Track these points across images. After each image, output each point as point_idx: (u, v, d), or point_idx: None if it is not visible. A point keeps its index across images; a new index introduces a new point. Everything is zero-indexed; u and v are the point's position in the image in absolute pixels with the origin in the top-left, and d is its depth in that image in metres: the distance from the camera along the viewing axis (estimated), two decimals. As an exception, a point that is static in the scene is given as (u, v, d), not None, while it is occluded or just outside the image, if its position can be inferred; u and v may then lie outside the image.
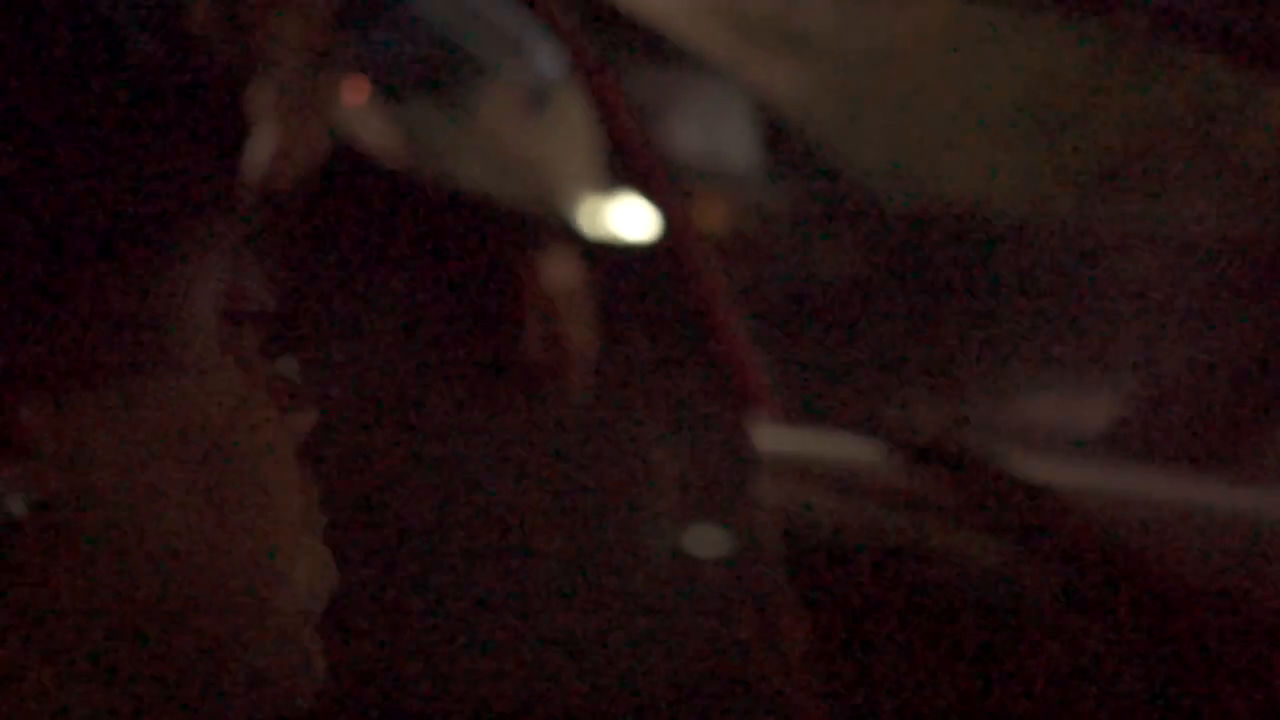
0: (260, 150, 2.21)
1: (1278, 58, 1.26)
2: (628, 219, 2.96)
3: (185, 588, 0.48)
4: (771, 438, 1.60)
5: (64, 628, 0.47)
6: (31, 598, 0.46)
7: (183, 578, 0.48)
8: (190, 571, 0.48)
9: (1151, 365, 2.69)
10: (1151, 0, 1.28)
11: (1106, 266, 2.81)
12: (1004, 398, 2.72)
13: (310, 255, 2.30)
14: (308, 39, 2.35)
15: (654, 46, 2.84)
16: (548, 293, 2.37)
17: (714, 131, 2.06)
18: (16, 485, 0.45)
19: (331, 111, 2.30)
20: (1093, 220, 3.88)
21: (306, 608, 0.52)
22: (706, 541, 2.70)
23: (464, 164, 3.66)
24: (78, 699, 0.47)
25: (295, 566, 0.52)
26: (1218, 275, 2.77)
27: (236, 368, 0.51)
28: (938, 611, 1.45)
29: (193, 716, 0.49)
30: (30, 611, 0.46)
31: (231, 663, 0.50)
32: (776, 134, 2.83)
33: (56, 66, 0.47)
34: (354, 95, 2.43)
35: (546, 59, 2.33)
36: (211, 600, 0.48)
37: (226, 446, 0.50)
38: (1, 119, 0.45)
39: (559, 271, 2.39)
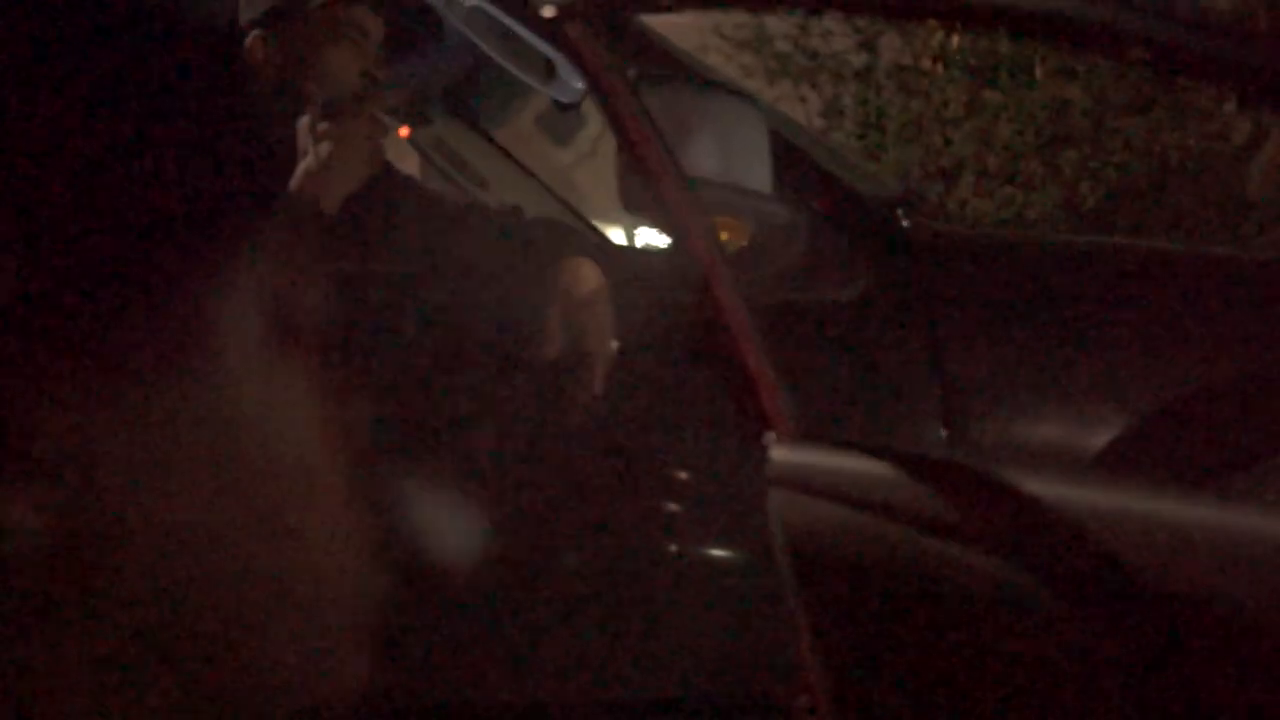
0: (311, 172, 2.25)
1: None
2: (646, 235, 2.99)
3: (226, 592, 0.48)
4: (783, 453, 1.62)
5: (101, 632, 0.47)
6: (62, 604, 0.46)
7: (224, 583, 0.48)
8: (232, 577, 0.48)
9: (1155, 384, 2.69)
10: (1160, 36, 1.31)
11: (1112, 286, 2.82)
12: (1011, 415, 2.73)
13: (350, 264, 2.34)
14: (360, 69, 2.39)
15: (674, 69, 2.86)
16: (569, 301, 2.41)
17: (734, 152, 2.08)
18: (41, 498, 0.45)
19: (380, 138, 2.35)
20: (1099, 241, 3.89)
21: (348, 610, 0.53)
22: (717, 553, 2.72)
23: (492, 180, 3.69)
24: (122, 703, 0.47)
25: (340, 567, 0.53)
26: (1220, 296, 2.78)
27: (284, 372, 0.51)
28: (945, 627, 1.45)
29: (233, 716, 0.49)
30: (62, 618, 0.46)
31: (272, 664, 0.50)
32: (794, 154, 2.86)
33: (111, 79, 0.47)
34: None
35: (575, 80, 2.35)
36: (250, 603, 0.49)
37: (263, 451, 0.50)
38: (58, 138, 0.45)
39: (580, 281, 2.44)
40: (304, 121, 2.29)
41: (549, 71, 2.40)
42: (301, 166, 2.25)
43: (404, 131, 2.38)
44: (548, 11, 1.53)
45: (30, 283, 0.45)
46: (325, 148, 2.27)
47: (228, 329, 0.49)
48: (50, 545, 0.45)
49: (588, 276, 2.47)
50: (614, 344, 2.44)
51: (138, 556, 0.47)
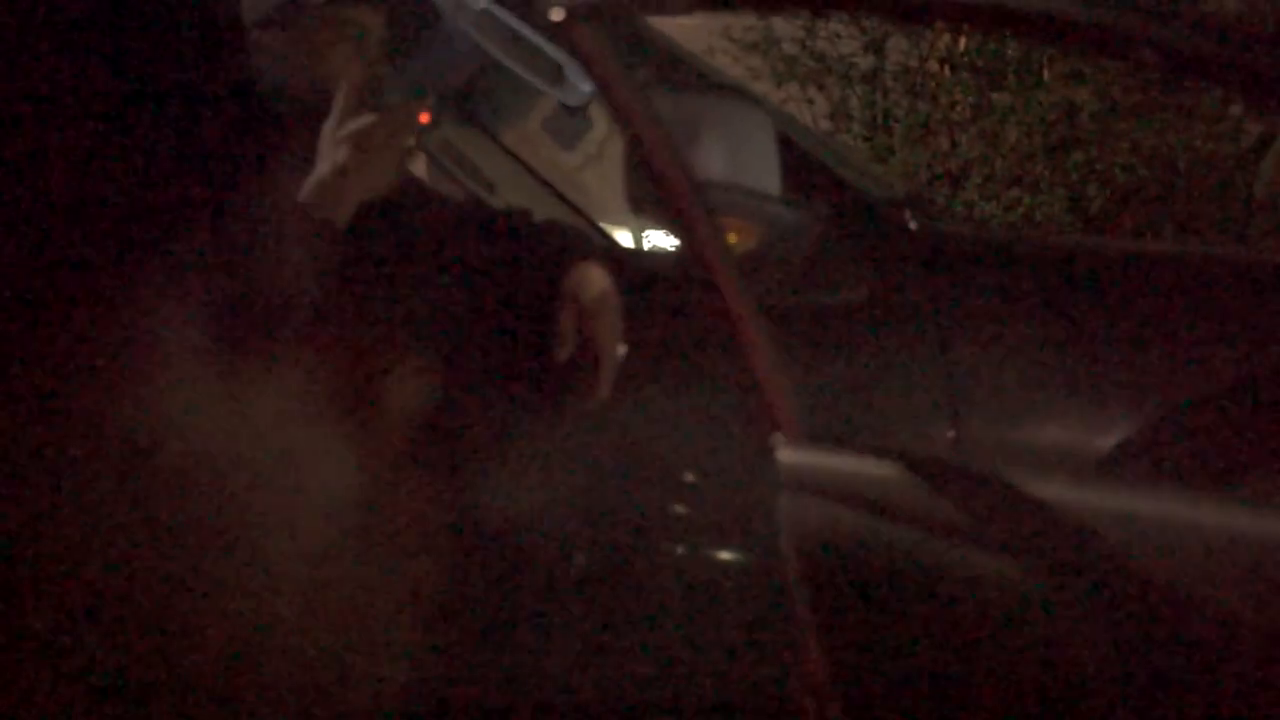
0: (324, 180, 2.24)
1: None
2: (656, 238, 3.00)
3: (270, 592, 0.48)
4: (791, 455, 1.62)
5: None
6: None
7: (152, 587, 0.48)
8: (278, 575, 0.48)
9: (1163, 386, 2.70)
10: (1167, 40, 1.31)
11: (1119, 288, 2.82)
12: (1019, 417, 2.74)
13: (362, 266, 2.34)
14: (366, 71, 2.39)
15: (684, 72, 2.87)
16: (579, 303, 2.42)
17: (742, 155, 2.08)
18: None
19: (405, 145, 2.34)
20: (1106, 243, 3.89)
21: (343, 623, 0.53)
22: (725, 555, 2.73)
23: (500, 184, 3.70)
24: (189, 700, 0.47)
25: (390, 568, 0.53)
26: (1229, 298, 2.78)
27: (254, 374, 0.51)
28: (952, 628, 1.46)
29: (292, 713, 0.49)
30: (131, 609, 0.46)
31: (330, 662, 0.50)
32: (801, 157, 2.86)
33: (152, 82, 0.48)
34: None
35: (581, 83, 2.36)
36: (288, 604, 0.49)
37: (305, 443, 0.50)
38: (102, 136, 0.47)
39: (588, 284, 2.44)
40: (326, 127, 2.28)
41: (556, 74, 2.41)
42: (315, 174, 2.24)
43: (424, 117, 2.36)
44: (557, 15, 1.54)
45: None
46: (343, 153, 2.25)
47: (187, 329, 0.49)
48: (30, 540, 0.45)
49: (596, 279, 2.47)
50: (622, 347, 2.45)
51: (130, 566, 0.47)
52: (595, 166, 3.45)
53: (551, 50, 2.41)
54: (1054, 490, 1.38)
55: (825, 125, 8.34)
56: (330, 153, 2.23)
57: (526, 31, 2.39)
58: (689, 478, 2.73)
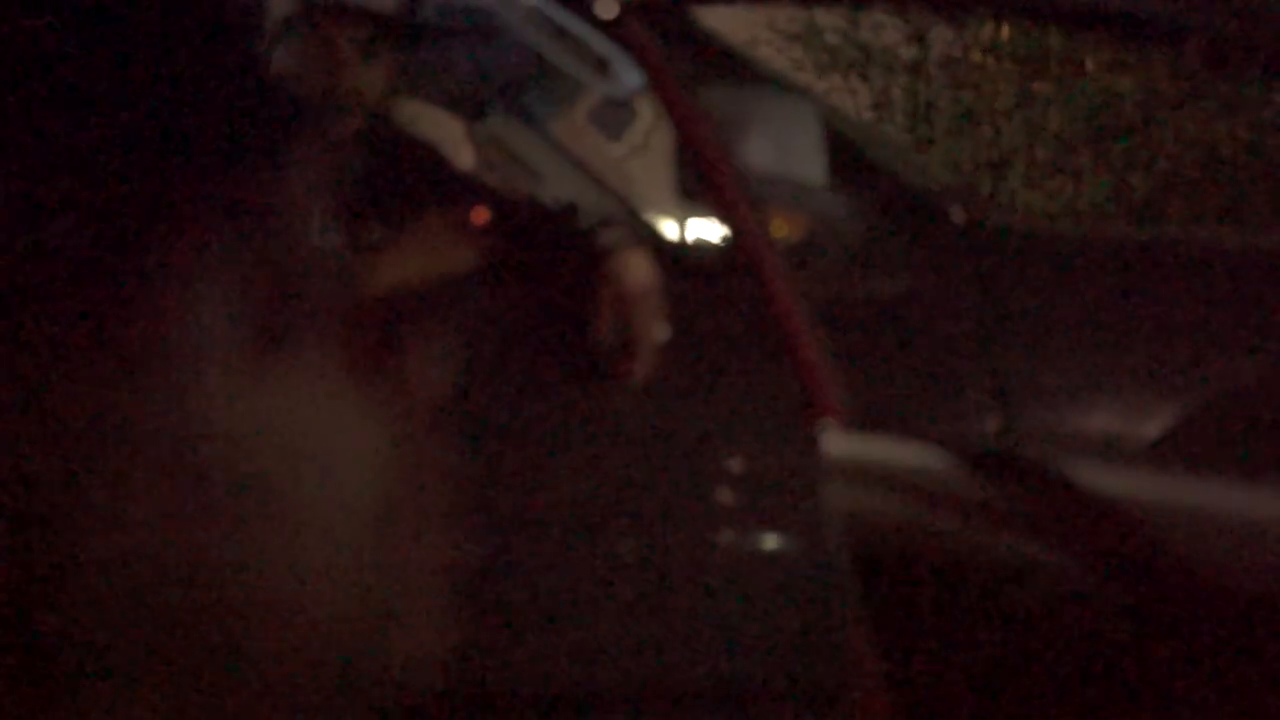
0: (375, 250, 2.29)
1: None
2: (703, 229, 3.01)
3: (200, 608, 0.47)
4: (837, 443, 1.63)
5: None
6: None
7: (187, 603, 0.47)
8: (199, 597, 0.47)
9: (1208, 375, 2.69)
10: (1209, 31, 1.31)
11: (1163, 277, 2.82)
12: (1063, 406, 2.73)
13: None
14: (370, 87, 2.43)
15: (730, 64, 2.87)
16: (623, 293, 2.44)
17: (787, 146, 2.10)
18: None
19: (454, 247, 2.39)
20: (1149, 232, 3.88)
21: (412, 609, 0.52)
22: (770, 542, 2.73)
23: (547, 175, 3.72)
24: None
25: (395, 569, 0.52)
26: (1274, 286, 2.77)
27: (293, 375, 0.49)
28: (999, 617, 1.46)
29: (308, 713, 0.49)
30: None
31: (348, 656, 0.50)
32: (847, 149, 2.87)
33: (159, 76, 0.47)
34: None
35: (627, 75, 2.38)
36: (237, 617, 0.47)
37: (294, 454, 0.49)
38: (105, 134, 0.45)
39: (632, 271, 2.46)
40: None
41: (602, 68, 2.43)
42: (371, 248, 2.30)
43: (481, 218, 2.42)
44: (608, 11, 1.55)
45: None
46: (406, 241, 2.33)
47: (255, 322, 0.48)
48: (43, 541, 0.45)
49: (638, 266, 2.49)
50: (662, 332, 2.46)
51: (145, 562, 0.46)
52: (641, 157, 3.46)
53: (597, 44, 2.43)
54: (1101, 479, 1.37)
55: (868, 115, 8.32)
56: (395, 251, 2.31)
57: (573, 26, 2.41)
58: (734, 466, 2.74)
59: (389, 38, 2.54)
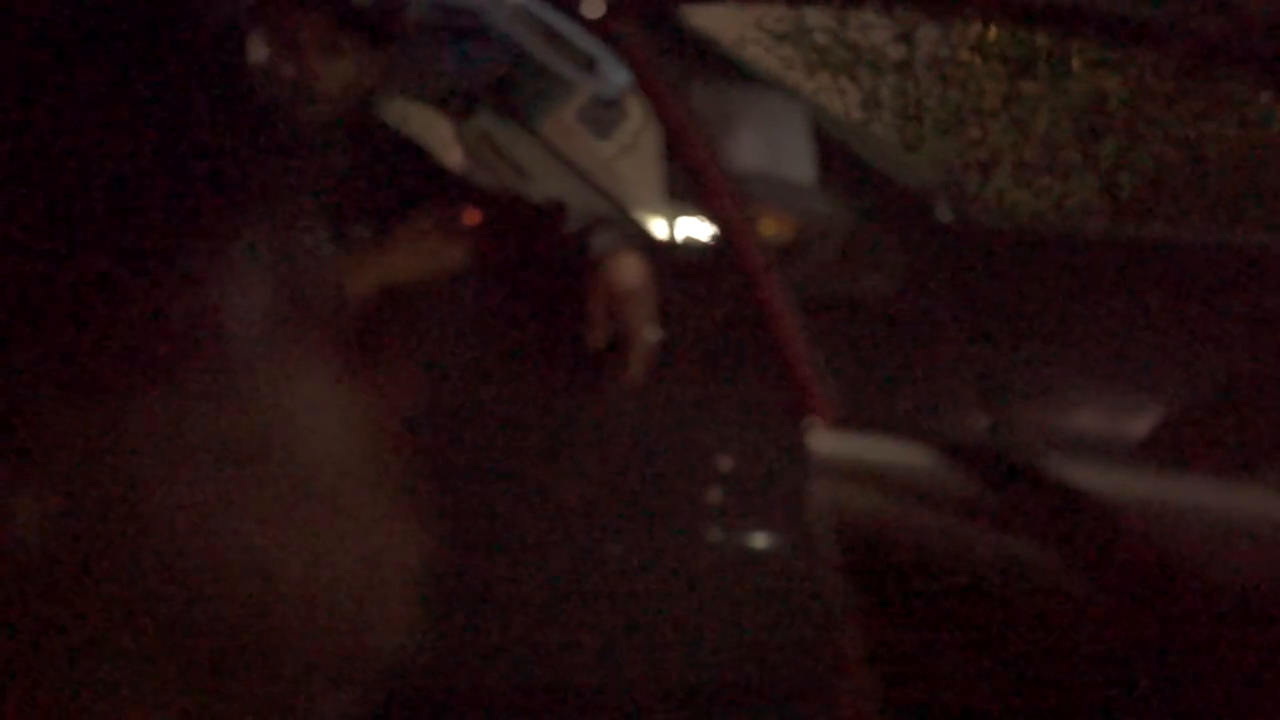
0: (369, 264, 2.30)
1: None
2: (693, 228, 3.01)
3: (239, 594, 0.48)
4: (825, 441, 1.63)
5: (103, 630, 0.46)
6: (61, 599, 0.45)
7: (236, 585, 0.47)
8: (243, 580, 0.48)
9: (1196, 372, 2.70)
10: (1195, 31, 1.31)
11: (1150, 276, 2.82)
12: (1051, 405, 2.74)
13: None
14: (335, 81, 2.44)
15: (718, 63, 2.88)
16: (614, 295, 2.44)
17: (775, 145, 2.10)
18: (37, 494, 0.44)
19: (450, 253, 2.40)
20: (1136, 231, 3.88)
21: (397, 599, 0.52)
22: (759, 540, 2.74)
23: (536, 174, 3.71)
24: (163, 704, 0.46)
25: (386, 559, 0.52)
26: (1261, 285, 2.78)
27: (306, 369, 0.50)
28: (986, 612, 1.46)
29: (283, 710, 0.49)
30: (58, 613, 0.45)
31: (321, 655, 0.50)
32: (835, 147, 2.87)
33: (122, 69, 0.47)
34: None
35: (615, 74, 2.38)
36: (266, 605, 0.48)
37: (286, 449, 0.49)
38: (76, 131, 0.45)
39: (623, 272, 2.47)
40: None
41: (590, 66, 2.43)
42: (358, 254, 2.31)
43: (473, 219, 2.43)
44: (594, 10, 1.55)
45: (42, 272, 0.45)
46: (394, 242, 2.33)
47: (239, 324, 0.49)
48: (52, 536, 0.45)
49: (630, 267, 2.50)
50: (655, 334, 2.47)
51: (142, 554, 0.46)
52: (630, 156, 3.46)
53: (585, 43, 2.43)
54: (1087, 477, 1.38)
55: (857, 115, 8.33)
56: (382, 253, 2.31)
57: (560, 25, 2.41)
58: (723, 465, 2.75)
59: (353, 31, 2.54)
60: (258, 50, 2.48)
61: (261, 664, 0.49)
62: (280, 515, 0.49)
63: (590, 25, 1.58)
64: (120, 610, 0.46)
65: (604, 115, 3.45)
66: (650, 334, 2.47)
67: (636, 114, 3.34)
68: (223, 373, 0.48)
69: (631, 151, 3.45)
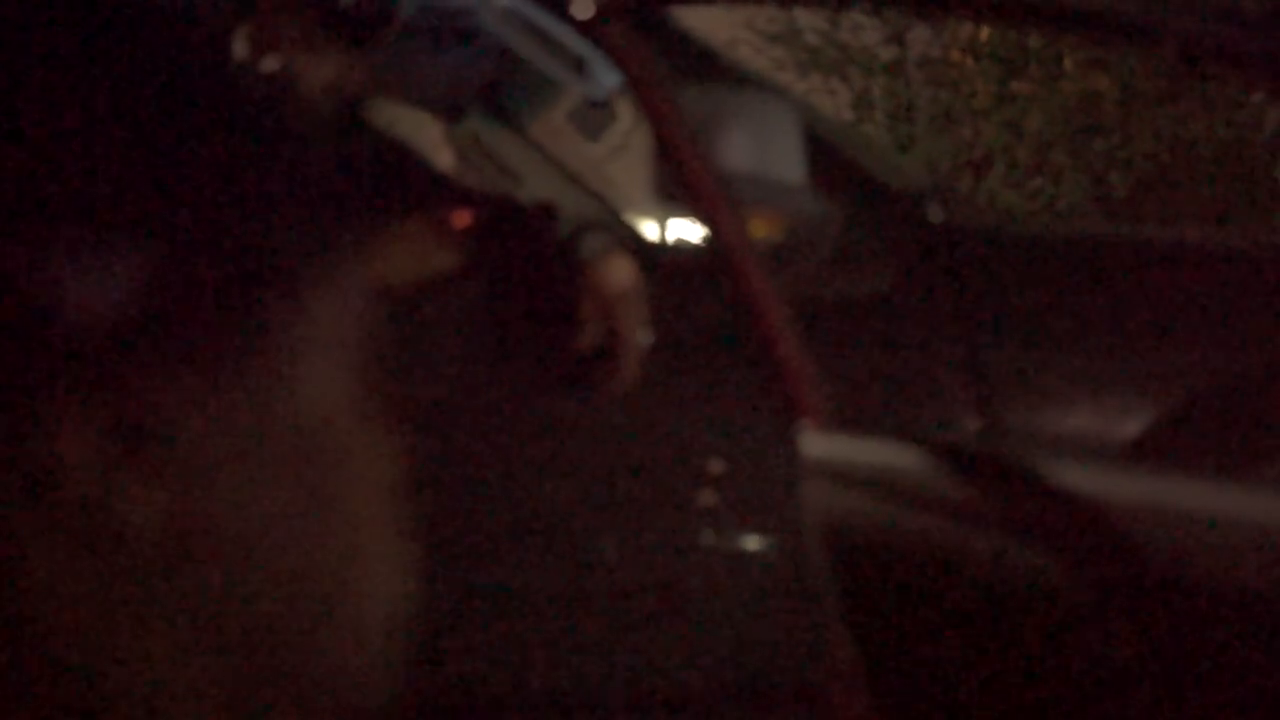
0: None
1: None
2: (684, 230, 3.01)
3: (273, 586, 0.49)
4: (816, 444, 1.63)
5: (178, 620, 0.47)
6: (157, 588, 0.46)
7: (271, 579, 0.49)
8: (279, 574, 0.49)
9: (1187, 372, 2.70)
10: (1186, 31, 1.31)
11: (1141, 276, 2.82)
12: (1043, 406, 2.74)
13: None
14: (318, 77, 2.43)
15: (708, 64, 2.88)
16: (605, 298, 2.44)
17: (766, 147, 2.09)
18: (153, 478, 0.46)
19: (441, 250, 2.39)
20: (1128, 231, 3.88)
21: (389, 609, 0.53)
22: (752, 543, 2.73)
23: (526, 176, 3.71)
24: (170, 692, 0.47)
25: (381, 567, 0.53)
26: (1252, 285, 2.78)
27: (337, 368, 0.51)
28: (976, 615, 1.46)
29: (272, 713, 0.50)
30: (153, 601, 0.47)
31: (310, 663, 0.50)
32: (825, 148, 2.87)
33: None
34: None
35: (606, 76, 2.37)
36: (296, 599, 0.49)
37: (325, 462, 0.50)
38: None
39: (614, 274, 2.46)
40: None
41: (580, 68, 2.42)
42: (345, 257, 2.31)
43: (463, 221, 2.43)
44: (584, 11, 1.55)
45: (156, 280, 0.46)
46: (384, 245, 2.33)
47: (313, 333, 0.50)
48: (158, 527, 0.46)
49: (623, 273, 2.49)
50: (646, 336, 2.46)
51: (227, 550, 0.48)
52: (621, 157, 3.46)
53: (574, 44, 2.42)
54: (1079, 478, 1.38)
55: (848, 115, 8.33)
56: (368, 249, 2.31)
57: (549, 26, 2.40)
58: (714, 467, 2.74)
59: (335, 28, 2.53)
60: (243, 47, 2.48)
61: (292, 663, 0.50)
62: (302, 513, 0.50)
63: (579, 27, 1.57)
64: (207, 602, 0.47)
65: (594, 117, 3.45)
66: (642, 337, 2.47)
67: (627, 116, 3.34)
68: (296, 380, 0.50)
69: (622, 153, 3.45)
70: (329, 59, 2.49)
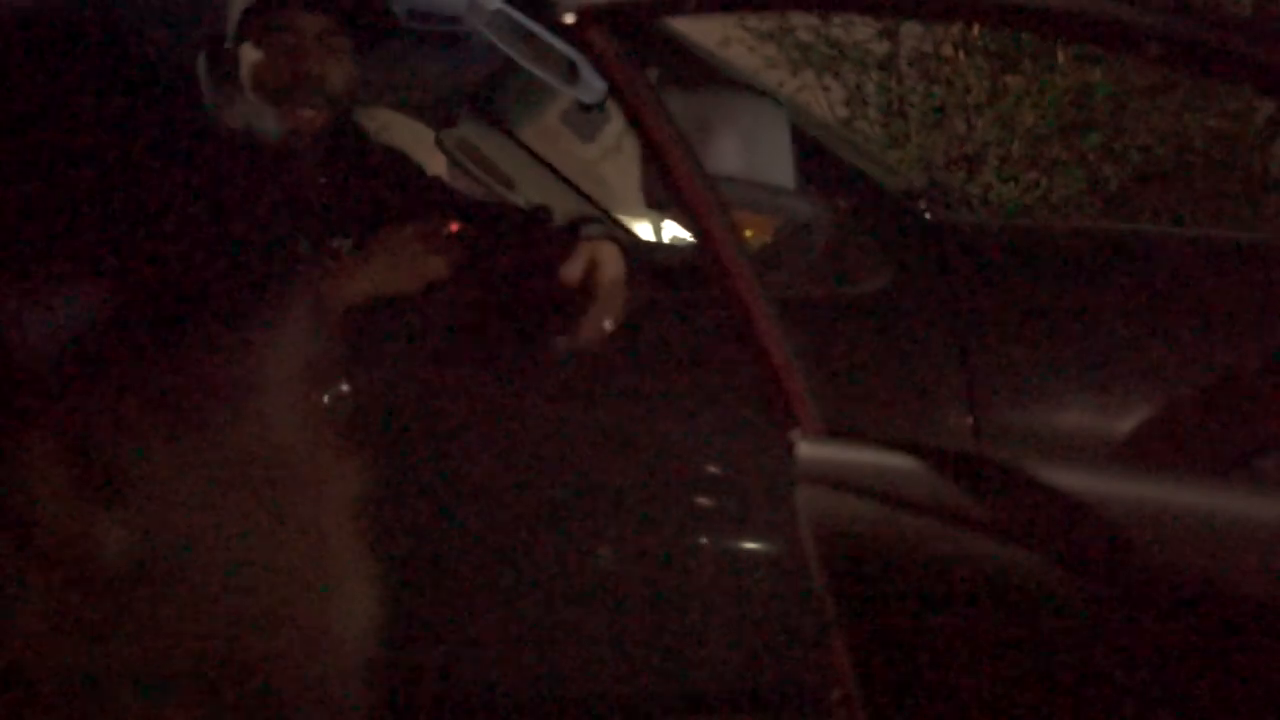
0: (344, 267, 2.31)
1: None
2: (677, 232, 3.01)
3: (247, 613, 0.50)
4: (810, 447, 1.63)
5: (148, 646, 0.48)
6: (126, 616, 0.47)
7: (245, 603, 0.49)
8: (252, 597, 0.49)
9: (1180, 370, 2.69)
10: (1177, 33, 1.31)
11: (1135, 273, 2.82)
12: (1036, 404, 2.73)
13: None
14: (325, 83, 2.44)
15: (696, 65, 2.87)
16: (592, 270, 2.44)
17: (755, 149, 2.09)
18: (122, 517, 0.47)
19: (440, 255, 2.40)
20: (1121, 228, 3.87)
21: (359, 627, 0.54)
22: (747, 547, 2.73)
23: (516, 180, 3.72)
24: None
25: (350, 587, 0.54)
26: (1245, 281, 2.78)
27: (302, 411, 0.52)
28: (972, 619, 1.46)
29: None
30: (123, 629, 0.47)
31: (288, 680, 0.51)
32: (816, 149, 2.87)
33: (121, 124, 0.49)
34: None
35: (596, 79, 2.37)
36: (269, 623, 0.50)
37: (288, 485, 0.51)
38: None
39: (605, 262, 2.47)
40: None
41: (571, 72, 2.42)
42: (339, 260, 2.32)
43: (453, 228, 2.44)
44: (568, 17, 1.55)
45: (116, 313, 0.47)
46: (373, 261, 2.35)
47: (274, 366, 0.51)
48: (134, 558, 0.47)
49: (613, 259, 2.50)
50: (613, 325, 2.47)
51: (198, 577, 0.48)
52: (614, 159, 3.46)
53: (564, 48, 2.42)
54: (1073, 479, 1.37)
55: (841, 112, 8.34)
56: (360, 260, 2.32)
57: (539, 30, 2.40)
58: (710, 471, 2.74)
59: (350, 32, 2.54)
60: (251, 51, 2.48)
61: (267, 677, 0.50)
62: (274, 531, 0.51)
63: (566, 31, 1.57)
64: (183, 629, 0.49)
65: (588, 119, 3.45)
66: (609, 322, 2.47)
67: (620, 117, 3.34)
68: (258, 414, 0.51)
69: (615, 154, 3.45)
70: (346, 62, 2.50)
